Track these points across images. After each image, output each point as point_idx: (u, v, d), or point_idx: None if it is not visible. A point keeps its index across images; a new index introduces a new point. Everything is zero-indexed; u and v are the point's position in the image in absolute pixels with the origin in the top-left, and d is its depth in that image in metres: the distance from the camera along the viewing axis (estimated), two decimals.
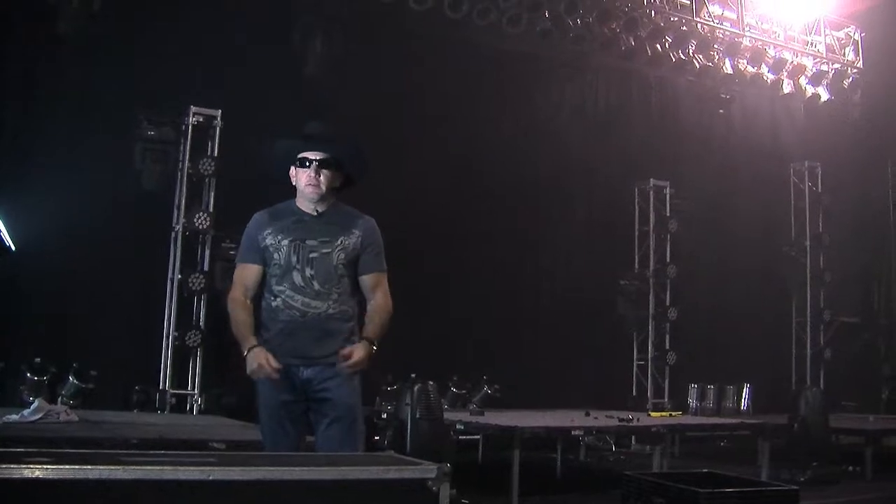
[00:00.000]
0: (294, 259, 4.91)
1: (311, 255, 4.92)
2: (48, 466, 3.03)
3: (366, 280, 5.04)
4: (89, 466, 3.08)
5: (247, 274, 5.04)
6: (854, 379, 16.52)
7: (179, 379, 11.12)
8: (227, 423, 9.09)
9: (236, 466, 3.37)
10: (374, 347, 4.87)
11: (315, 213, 5.03)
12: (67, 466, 3.06)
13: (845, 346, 16.65)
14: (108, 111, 10.90)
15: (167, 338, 11.12)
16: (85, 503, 3.03)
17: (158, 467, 3.18)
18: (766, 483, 6.18)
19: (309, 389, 4.88)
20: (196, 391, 11.11)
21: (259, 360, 4.73)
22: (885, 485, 10.78)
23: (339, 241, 4.97)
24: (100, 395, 10.27)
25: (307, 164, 4.98)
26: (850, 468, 11.38)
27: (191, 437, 7.25)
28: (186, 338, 11.06)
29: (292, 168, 5.07)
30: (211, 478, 3.20)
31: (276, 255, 4.95)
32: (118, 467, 3.11)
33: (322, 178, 4.98)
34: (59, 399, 9.75)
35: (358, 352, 4.78)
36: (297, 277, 4.90)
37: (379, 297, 5.05)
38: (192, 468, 3.24)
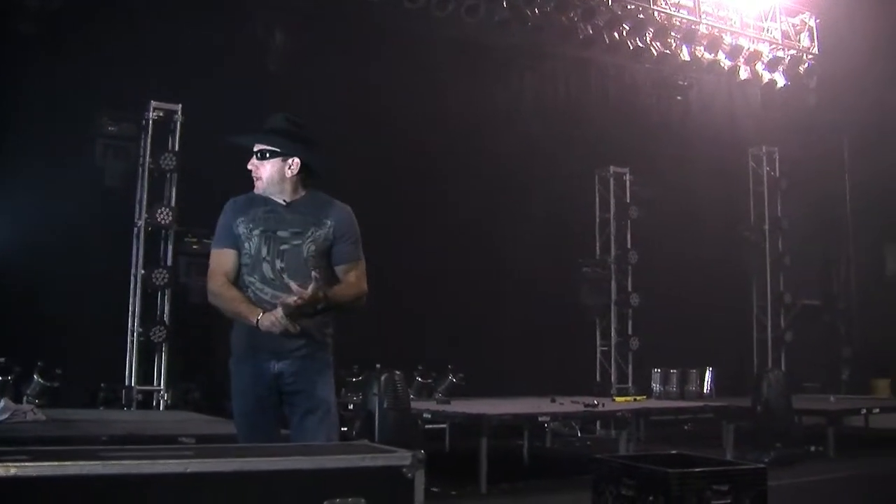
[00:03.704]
0: (264, 251, 4.78)
1: (282, 248, 4.79)
2: (26, 464, 3.00)
3: (340, 270, 4.89)
4: (68, 463, 3.07)
5: (224, 259, 4.86)
6: (815, 360, 16.76)
7: (145, 375, 11.09)
8: (195, 417, 9.12)
9: (213, 458, 3.38)
10: (325, 300, 4.63)
11: (284, 203, 4.89)
12: (45, 463, 3.03)
13: (806, 329, 16.86)
14: (68, 108, 10.80)
15: (132, 334, 11.10)
16: (64, 499, 3.02)
17: (136, 461, 3.18)
18: (735, 462, 6.26)
19: (281, 383, 4.77)
20: (162, 387, 11.09)
21: (272, 319, 4.59)
22: (847, 463, 10.96)
23: (309, 233, 4.83)
24: (65, 393, 10.25)
25: (254, 155, 4.92)
26: (813, 448, 11.54)
27: (160, 432, 7.23)
28: (151, 333, 11.03)
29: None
30: (189, 470, 3.19)
31: (246, 245, 4.81)
32: (97, 463, 3.11)
33: (261, 170, 4.88)
34: (25, 398, 9.71)
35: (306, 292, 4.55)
36: (266, 269, 4.76)
37: (351, 277, 4.90)
38: (169, 461, 3.24)
